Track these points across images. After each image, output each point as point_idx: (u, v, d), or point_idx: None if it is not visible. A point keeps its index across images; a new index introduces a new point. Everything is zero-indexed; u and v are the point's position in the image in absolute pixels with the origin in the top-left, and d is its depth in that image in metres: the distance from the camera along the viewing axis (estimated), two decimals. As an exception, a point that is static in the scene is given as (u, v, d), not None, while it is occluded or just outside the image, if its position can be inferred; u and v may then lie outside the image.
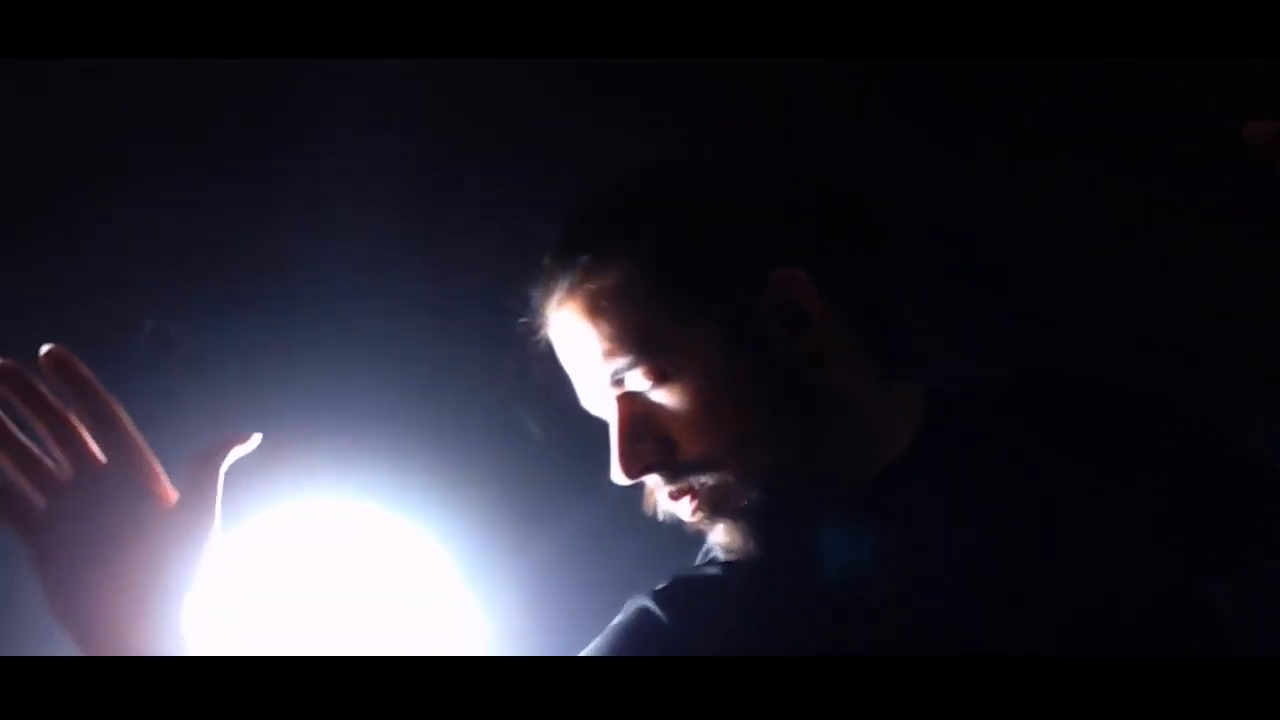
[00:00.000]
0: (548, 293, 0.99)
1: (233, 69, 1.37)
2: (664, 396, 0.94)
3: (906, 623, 0.90)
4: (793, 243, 0.96)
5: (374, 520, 1.32)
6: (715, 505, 0.94)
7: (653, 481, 0.96)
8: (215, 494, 0.87)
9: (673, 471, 0.94)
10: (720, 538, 0.95)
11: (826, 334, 0.95)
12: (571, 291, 0.96)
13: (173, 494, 0.87)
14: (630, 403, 0.95)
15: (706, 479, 0.93)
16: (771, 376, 0.93)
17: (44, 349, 0.83)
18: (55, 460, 0.85)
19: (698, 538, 1.00)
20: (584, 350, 0.96)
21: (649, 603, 0.97)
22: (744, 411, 0.93)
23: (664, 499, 0.96)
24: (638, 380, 0.94)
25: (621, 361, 0.94)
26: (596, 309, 0.95)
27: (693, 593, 0.98)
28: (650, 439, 0.94)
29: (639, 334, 0.93)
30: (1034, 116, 1.36)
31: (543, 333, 1.01)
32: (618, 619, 1.00)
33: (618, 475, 0.96)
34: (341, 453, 1.36)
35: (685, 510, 0.95)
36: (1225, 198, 1.30)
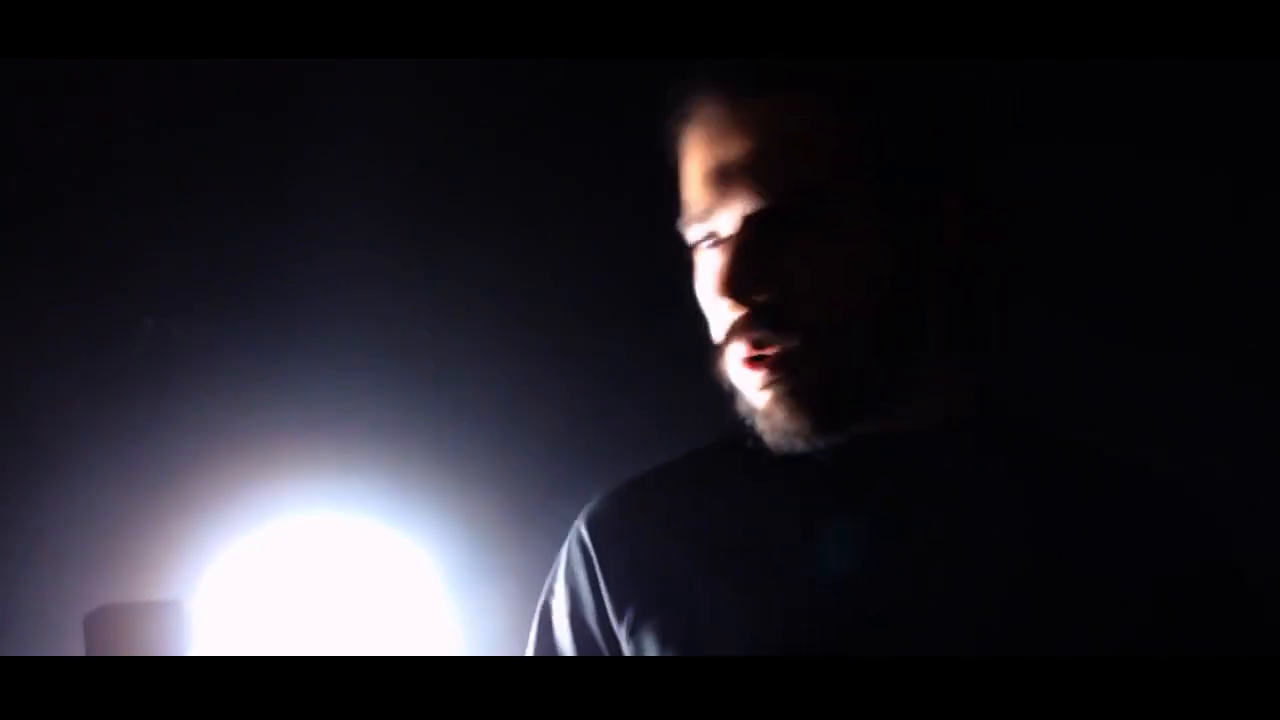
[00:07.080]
0: (705, 88, 0.90)
1: (234, 69, 1.37)
2: (798, 238, 0.86)
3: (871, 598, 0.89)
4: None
5: (370, 523, 1.32)
6: (787, 375, 0.88)
7: (733, 346, 0.90)
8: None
9: (769, 319, 0.87)
10: (774, 417, 0.89)
11: (952, 276, 0.92)
12: (740, 94, 0.88)
13: None
14: (759, 225, 0.86)
15: (794, 343, 0.87)
16: (906, 280, 0.90)
17: None
18: None
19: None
20: (726, 157, 0.87)
21: (582, 530, 1.00)
22: (871, 290, 0.88)
23: (736, 366, 0.90)
24: (776, 206, 0.86)
25: (772, 180, 0.86)
26: (761, 118, 0.86)
27: (624, 512, 1.00)
28: (768, 276, 0.87)
29: (802, 159, 0.86)
30: (1031, 115, 1.36)
31: (676, 127, 0.92)
32: (560, 554, 1.03)
33: (720, 294, 0.88)
34: (338, 454, 1.36)
35: (753, 382, 0.89)
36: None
